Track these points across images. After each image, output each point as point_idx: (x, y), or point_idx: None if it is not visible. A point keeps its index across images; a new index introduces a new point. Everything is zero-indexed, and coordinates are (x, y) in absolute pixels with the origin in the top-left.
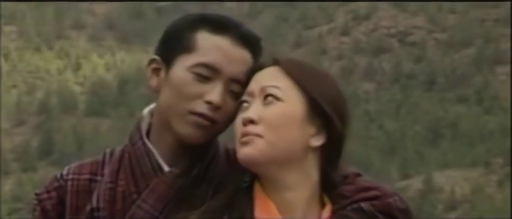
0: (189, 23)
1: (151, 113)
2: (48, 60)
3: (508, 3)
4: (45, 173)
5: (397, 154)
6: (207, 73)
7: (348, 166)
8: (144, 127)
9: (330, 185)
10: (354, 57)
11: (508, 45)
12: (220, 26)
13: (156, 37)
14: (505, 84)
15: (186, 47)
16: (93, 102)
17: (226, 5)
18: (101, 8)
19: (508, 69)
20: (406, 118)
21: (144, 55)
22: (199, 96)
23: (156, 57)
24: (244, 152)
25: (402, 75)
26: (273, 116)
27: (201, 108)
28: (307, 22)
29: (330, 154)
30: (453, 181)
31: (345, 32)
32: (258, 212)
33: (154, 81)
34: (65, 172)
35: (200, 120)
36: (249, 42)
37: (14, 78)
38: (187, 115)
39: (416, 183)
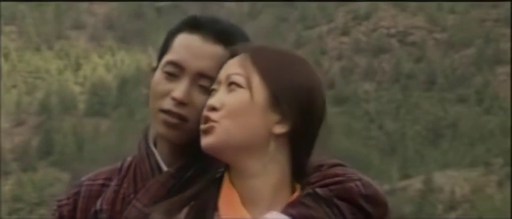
0: (176, 26)
1: None
2: (48, 60)
3: (508, 3)
4: (45, 173)
5: (397, 154)
6: (174, 70)
7: (333, 158)
8: (151, 133)
9: (302, 175)
10: (354, 57)
11: (508, 45)
12: (195, 24)
13: (156, 37)
14: (505, 84)
15: (166, 48)
16: (93, 102)
17: (226, 5)
18: (101, 8)
19: (508, 69)
20: (406, 118)
21: (143, 56)
22: (167, 93)
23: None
24: (205, 141)
25: (402, 75)
26: (234, 103)
27: (168, 104)
28: (307, 22)
29: (298, 142)
30: (453, 181)
31: (345, 32)
32: (221, 200)
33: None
34: (83, 178)
35: (167, 117)
36: (223, 38)
37: (14, 78)
38: (158, 114)
39: (416, 183)
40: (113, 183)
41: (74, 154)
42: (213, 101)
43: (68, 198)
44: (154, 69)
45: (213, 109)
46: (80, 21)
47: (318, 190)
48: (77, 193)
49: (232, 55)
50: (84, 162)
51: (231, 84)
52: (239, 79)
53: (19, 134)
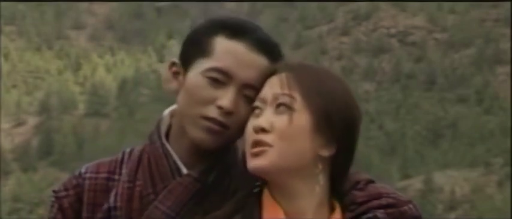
0: (208, 27)
1: (172, 114)
2: (48, 60)
3: (508, 3)
4: (45, 173)
5: (397, 154)
6: (220, 77)
7: (361, 172)
8: (163, 128)
9: (339, 191)
10: (354, 57)
11: (508, 45)
12: (237, 30)
13: (156, 37)
14: (505, 84)
15: (203, 51)
16: (93, 102)
17: (226, 5)
18: (101, 8)
19: (508, 69)
20: (406, 118)
21: (143, 56)
22: (212, 101)
23: (176, 60)
24: (255, 163)
25: (402, 75)
26: (285, 126)
27: (213, 112)
28: (307, 22)
29: (340, 163)
30: (453, 181)
31: (345, 32)
32: (266, 217)
33: (173, 84)
34: (83, 170)
35: (211, 125)
36: (266, 47)
37: (14, 78)
38: (200, 120)
39: (416, 183)
40: (123, 178)
41: (74, 154)
42: (261, 122)
43: (67, 190)
44: (173, 66)
45: (262, 130)
46: (80, 21)
47: (378, 214)
48: (78, 185)
49: (273, 71)
50: (84, 162)
51: (280, 106)
52: (289, 101)
53: (19, 134)
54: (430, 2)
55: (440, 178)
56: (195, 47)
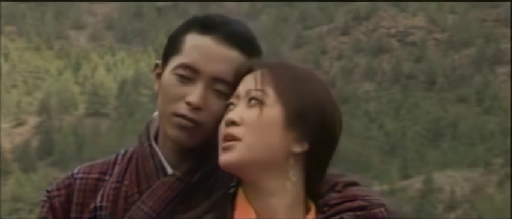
0: (183, 25)
1: None
2: (48, 60)
3: (508, 3)
4: (45, 173)
5: (397, 154)
6: (187, 73)
7: (345, 174)
8: (153, 129)
9: (315, 192)
10: (354, 57)
11: (508, 45)
12: (206, 25)
13: (156, 37)
14: (505, 84)
15: (177, 50)
16: (93, 102)
17: (226, 5)
18: (101, 8)
19: (508, 69)
20: (406, 118)
21: (143, 56)
22: (182, 98)
23: (158, 62)
24: (224, 158)
25: (402, 75)
26: (254, 119)
27: (183, 109)
28: (307, 22)
29: (314, 161)
30: (453, 181)
31: (345, 32)
32: (237, 217)
33: (156, 86)
34: (75, 171)
35: (182, 122)
36: (236, 40)
37: (14, 78)
38: (172, 117)
39: (416, 183)
40: (112, 179)
41: (74, 154)
42: (232, 115)
43: (59, 190)
44: (156, 68)
45: (233, 123)
46: (80, 21)
47: (346, 217)
48: (69, 185)
49: (250, 69)
50: (84, 162)
51: (251, 100)
52: (260, 95)
53: (19, 134)
54: (430, 2)
55: (440, 178)
56: (170, 46)
